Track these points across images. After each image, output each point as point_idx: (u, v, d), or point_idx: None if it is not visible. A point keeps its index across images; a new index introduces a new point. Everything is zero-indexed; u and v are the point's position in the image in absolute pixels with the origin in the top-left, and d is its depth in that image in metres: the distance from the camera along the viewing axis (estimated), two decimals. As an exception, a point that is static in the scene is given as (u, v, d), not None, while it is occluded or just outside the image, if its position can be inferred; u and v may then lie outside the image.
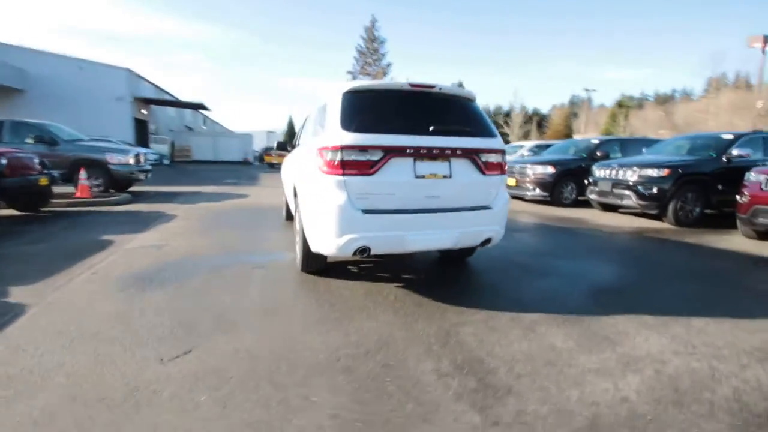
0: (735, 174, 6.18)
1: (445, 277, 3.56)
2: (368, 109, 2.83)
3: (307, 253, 3.25)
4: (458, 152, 2.87)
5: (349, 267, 3.71)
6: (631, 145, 9.08)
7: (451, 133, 2.88)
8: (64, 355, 2.05)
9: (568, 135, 42.05)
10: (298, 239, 3.50)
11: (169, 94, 29.35)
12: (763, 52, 14.90)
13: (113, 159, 8.73)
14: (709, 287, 3.40)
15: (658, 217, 6.68)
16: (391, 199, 2.76)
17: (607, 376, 1.95)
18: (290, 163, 4.72)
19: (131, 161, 9.00)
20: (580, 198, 8.61)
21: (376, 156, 2.69)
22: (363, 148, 2.66)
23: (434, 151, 2.80)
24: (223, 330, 2.37)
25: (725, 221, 6.46)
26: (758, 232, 5.06)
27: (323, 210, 2.74)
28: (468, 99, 3.19)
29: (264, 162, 30.49)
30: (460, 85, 42.91)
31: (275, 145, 5.57)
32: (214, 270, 3.58)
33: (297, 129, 5.91)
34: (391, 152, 2.71)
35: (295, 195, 3.74)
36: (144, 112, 23.88)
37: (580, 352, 2.18)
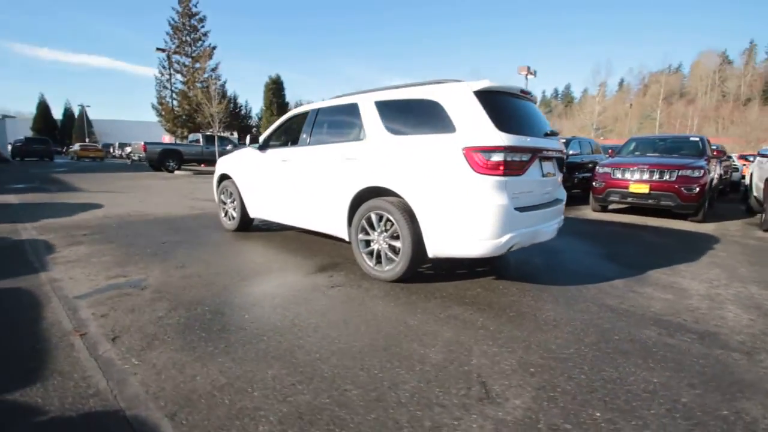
0: (570, 167, 8.78)
1: (497, 263, 3.90)
2: (501, 110, 2.88)
3: (415, 260, 3.03)
4: (558, 153, 3.29)
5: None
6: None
7: (551, 136, 3.26)
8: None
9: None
10: (378, 246, 3.23)
11: None
12: (526, 78, 21.03)
13: None
14: (639, 246, 4.94)
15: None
16: (529, 196, 2.95)
17: (724, 309, 2.80)
18: (298, 162, 4.00)
19: None
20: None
21: (526, 157, 2.81)
22: (521, 150, 2.75)
23: (552, 153, 3.13)
24: (461, 361, 2.10)
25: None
26: (603, 207, 7.46)
27: (481, 211, 2.68)
28: (536, 103, 3.60)
29: (22, 158, 22.29)
30: (278, 78, 41.85)
31: (248, 140, 4.49)
32: (287, 296, 2.85)
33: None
34: (534, 153, 2.89)
35: (354, 204, 3.36)
36: None
37: (688, 299, 2.99)
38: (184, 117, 24.84)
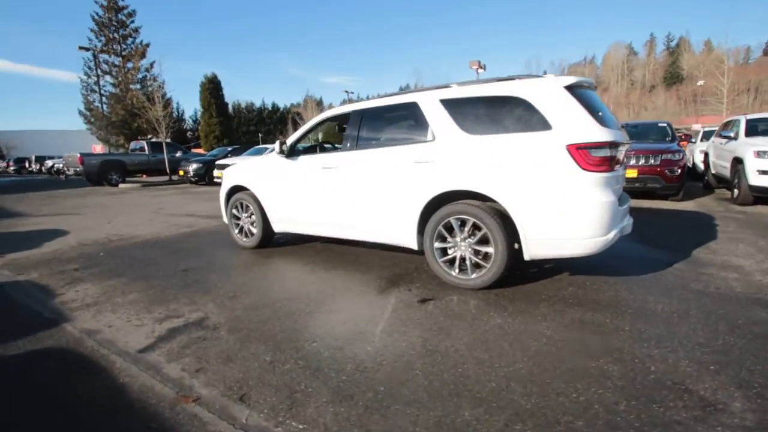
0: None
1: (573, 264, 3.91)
2: (590, 104, 2.83)
3: (508, 264, 2.92)
4: (628, 145, 3.33)
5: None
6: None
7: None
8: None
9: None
10: (460, 253, 3.09)
11: None
12: (477, 72, 21.73)
13: None
14: (654, 228, 5.24)
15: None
16: (618, 191, 2.95)
17: (790, 283, 3.04)
18: (347, 169, 3.66)
19: None
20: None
21: (622, 151, 2.81)
22: (619, 144, 2.73)
23: (627, 145, 3.16)
24: (641, 369, 2.03)
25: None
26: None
27: (593, 208, 2.63)
28: None
29: None
30: (215, 77, 39.46)
31: (276, 145, 4.03)
32: (388, 319, 2.60)
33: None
34: (624, 147, 2.89)
35: (427, 210, 3.18)
36: None
37: (751, 275, 3.19)
38: (118, 123, 22.19)
